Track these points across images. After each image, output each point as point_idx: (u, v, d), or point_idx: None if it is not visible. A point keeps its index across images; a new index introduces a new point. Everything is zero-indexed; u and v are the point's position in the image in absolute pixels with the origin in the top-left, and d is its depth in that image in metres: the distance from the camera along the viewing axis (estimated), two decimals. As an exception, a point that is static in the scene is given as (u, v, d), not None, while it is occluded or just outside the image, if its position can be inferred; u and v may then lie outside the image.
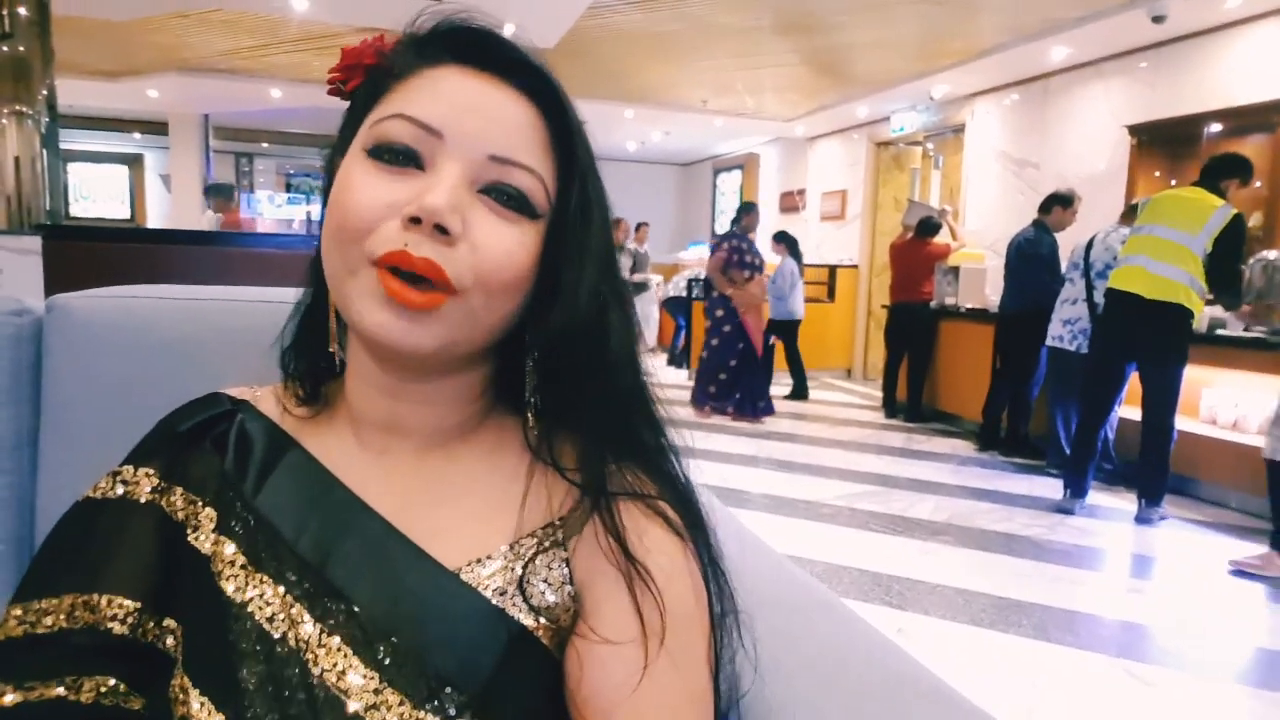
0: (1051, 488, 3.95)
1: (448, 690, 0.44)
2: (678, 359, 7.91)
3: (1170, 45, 5.02)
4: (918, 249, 5.64)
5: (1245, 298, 3.54)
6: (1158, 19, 4.65)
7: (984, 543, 3.15)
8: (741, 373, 5.37)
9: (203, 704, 0.43)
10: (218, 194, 6.93)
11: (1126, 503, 3.70)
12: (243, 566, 0.48)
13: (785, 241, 6.16)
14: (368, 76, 0.52)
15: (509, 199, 0.47)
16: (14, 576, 0.72)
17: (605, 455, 0.50)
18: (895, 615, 2.47)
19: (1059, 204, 4.53)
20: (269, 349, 0.62)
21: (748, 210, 5.43)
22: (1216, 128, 4.80)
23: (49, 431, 0.78)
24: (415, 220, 0.44)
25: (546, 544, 0.49)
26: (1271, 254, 3.86)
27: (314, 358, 0.57)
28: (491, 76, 0.49)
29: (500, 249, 0.46)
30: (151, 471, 0.52)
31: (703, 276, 7.77)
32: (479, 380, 0.53)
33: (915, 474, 4.18)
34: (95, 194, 11.11)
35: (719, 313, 5.31)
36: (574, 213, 0.49)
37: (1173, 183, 5.02)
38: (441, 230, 0.44)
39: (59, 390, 0.78)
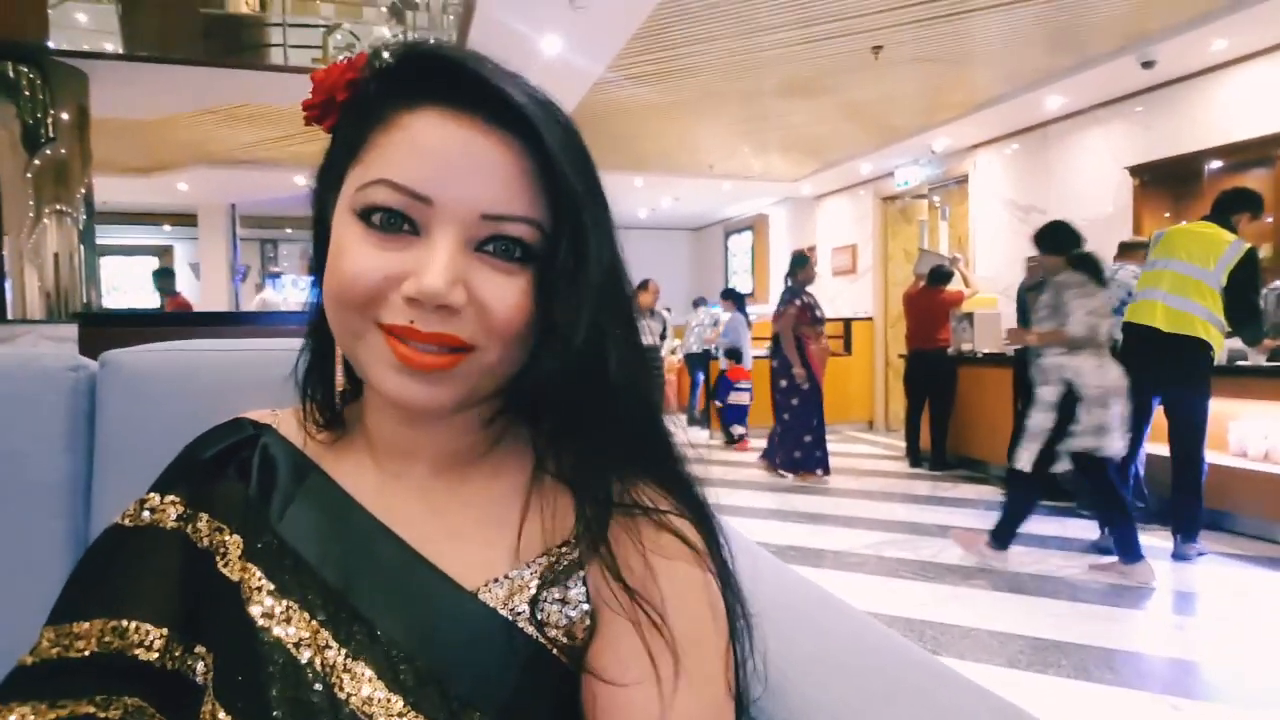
0: (1083, 529, 3.88)
1: (469, 712, 0.44)
2: (699, 419, 7.91)
3: (1163, 89, 5.14)
4: (931, 297, 5.69)
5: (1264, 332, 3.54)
6: (1147, 64, 4.78)
7: (1017, 585, 3.09)
8: (821, 430, 5.27)
9: None
10: (164, 279, 7.24)
11: (1161, 540, 3.62)
12: (270, 593, 0.48)
13: (734, 298, 6.68)
14: (343, 115, 0.51)
15: (503, 250, 0.46)
16: (70, 612, 0.77)
17: (607, 481, 0.49)
18: (930, 661, 2.42)
19: (1066, 245, 4.58)
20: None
21: (803, 263, 5.31)
22: (1217, 164, 4.87)
23: (102, 477, 0.83)
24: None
25: (563, 562, 0.48)
26: (1284, 284, 3.87)
27: (328, 387, 0.58)
28: (472, 118, 0.46)
29: (508, 304, 0.46)
30: (177, 499, 0.53)
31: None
32: (492, 404, 0.53)
33: (943, 520, 4.13)
34: (127, 285, 11.50)
35: (797, 371, 5.19)
36: (564, 254, 0.47)
37: (1182, 221, 5.06)
38: (446, 305, 0.44)
39: (112, 438, 0.83)
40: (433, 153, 0.45)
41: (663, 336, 7.05)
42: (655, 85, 5.57)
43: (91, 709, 0.45)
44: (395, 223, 0.46)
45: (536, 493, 0.51)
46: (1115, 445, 3.06)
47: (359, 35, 6.06)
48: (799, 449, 5.23)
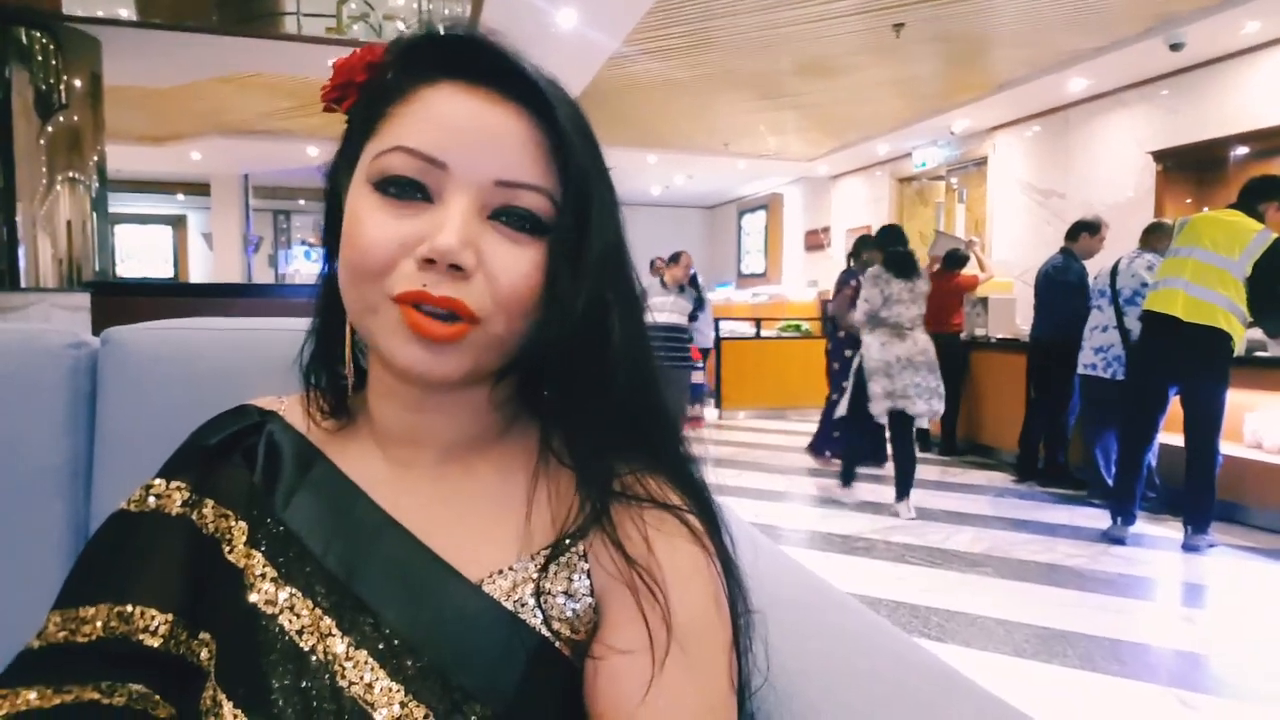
0: (1093, 518, 3.86)
1: (471, 704, 0.44)
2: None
3: (1191, 72, 5.03)
4: (946, 281, 5.63)
5: None
6: (1175, 47, 4.67)
7: (1024, 573, 3.08)
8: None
9: (236, 716, 0.44)
10: None
11: (1172, 531, 3.60)
12: (273, 580, 0.49)
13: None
14: (361, 95, 0.52)
15: (519, 221, 0.47)
16: (70, 594, 0.76)
17: (608, 460, 0.50)
18: (935, 648, 2.41)
19: (1086, 231, 4.51)
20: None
21: (867, 245, 5.04)
22: (1243, 150, 4.77)
23: (103, 458, 0.82)
24: (430, 260, 0.45)
25: (566, 554, 0.49)
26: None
27: (334, 374, 0.58)
28: (487, 91, 0.47)
29: (517, 274, 0.46)
30: (183, 485, 0.53)
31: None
32: (498, 391, 0.53)
33: (952, 506, 4.11)
34: (140, 254, 11.55)
35: (848, 353, 4.90)
36: (570, 226, 0.48)
37: (1205, 209, 4.98)
38: (457, 267, 0.45)
39: (113, 418, 0.82)
40: (448, 121, 0.46)
41: (693, 316, 5.96)
42: (671, 61, 5.49)
43: (96, 695, 0.46)
44: (409, 191, 0.46)
45: (543, 484, 0.51)
46: (916, 408, 3.76)
47: (373, 4, 5.99)
48: (838, 429, 5.13)
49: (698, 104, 6.66)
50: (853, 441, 4.22)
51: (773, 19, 4.71)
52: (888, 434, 4.05)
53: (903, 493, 3.93)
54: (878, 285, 3.89)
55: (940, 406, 3.87)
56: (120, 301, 3.92)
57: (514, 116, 0.47)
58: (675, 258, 5.62)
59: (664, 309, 5.09)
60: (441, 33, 0.50)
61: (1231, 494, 3.72)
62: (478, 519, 0.51)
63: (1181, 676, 2.27)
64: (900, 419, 3.82)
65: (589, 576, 0.49)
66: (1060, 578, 3.04)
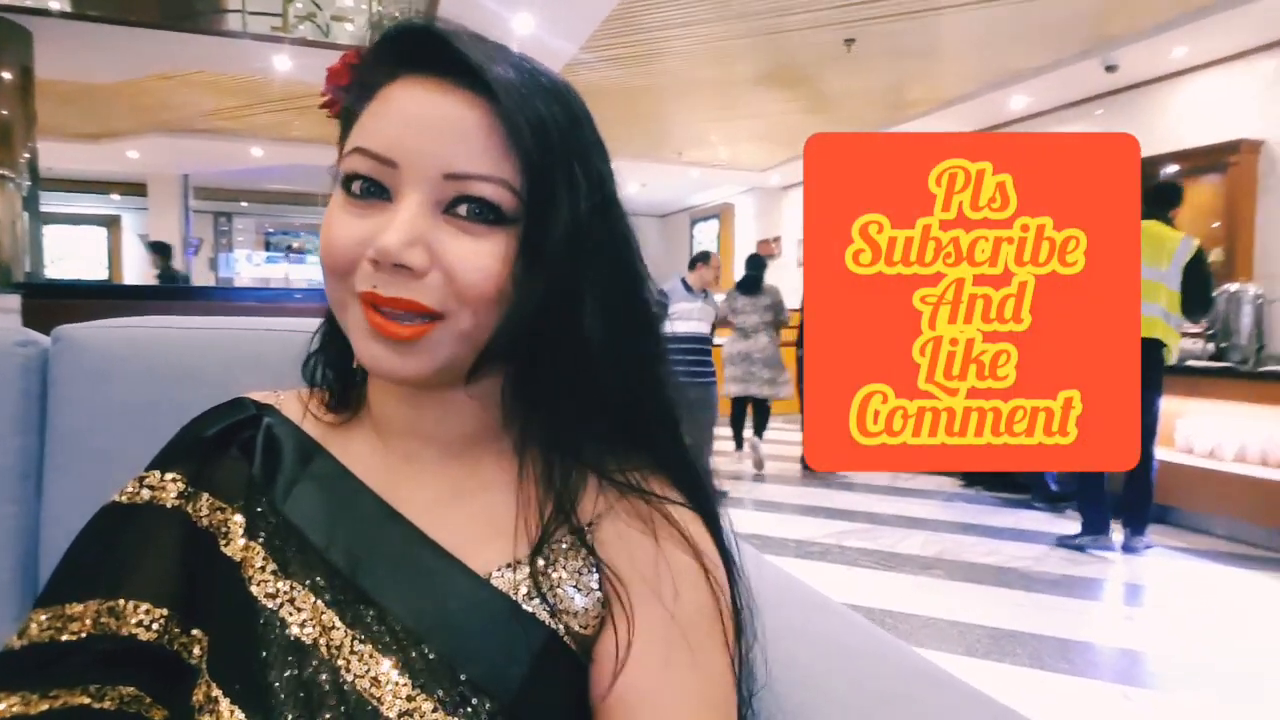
0: (1037, 520, 3.97)
1: (479, 697, 0.44)
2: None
3: (1123, 93, 5.26)
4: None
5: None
6: (1110, 68, 4.88)
7: (975, 575, 3.15)
8: None
9: (233, 711, 0.43)
10: None
11: (1112, 533, 3.72)
12: (273, 573, 0.48)
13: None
14: (346, 98, 0.52)
15: (475, 213, 0.45)
16: (19, 604, 0.72)
17: (578, 450, 0.49)
18: (890, 650, 2.45)
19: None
20: (274, 374, 0.62)
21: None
22: (1172, 169, 4.99)
23: (54, 460, 0.78)
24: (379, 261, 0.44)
25: (574, 548, 0.48)
26: (1234, 286, 4.00)
27: (341, 366, 0.57)
28: (440, 82, 0.46)
29: (473, 268, 0.45)
30: (178, 476, 0.52)
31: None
32: (497, 387, 0.51)
33: (902, 510, 4.19)
34: (72, 256, 11.08)
35: None
36: (532, 213, 0.46)
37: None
38: (404, 267, 0.44)
39: (65, 419, 0.78)
40: (399, 117, 0.46)
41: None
42: (627, 68, 5.52)
43: (85, 699, 0.44)
44: (373, 190, 0.46)
45: (543, 479, 0.51)
46: (750, 390, 4.86)
47: (320, 4, 5.87)
48: None
49: (653, 112, 6.70)
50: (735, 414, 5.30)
51: (728, 30, 4.77)
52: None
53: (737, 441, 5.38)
54: (728, 300, 4.95)
55: (785, 392, 4.80)
56: (53, 304, 3.75)
57: (465, 106, 0.45)
58: (704, 258, 4.84)
59: (689, 316, 4.51)
60: (402, 25, 0.49)
61: (1165, 497, 3.86)
62: (483, 513, 0.51)
63: (1124, 672, 2.35)
64: (748, 400, 5.01)
65: (597, 570, 0.48)
66: (1009, 579, 3.12)
